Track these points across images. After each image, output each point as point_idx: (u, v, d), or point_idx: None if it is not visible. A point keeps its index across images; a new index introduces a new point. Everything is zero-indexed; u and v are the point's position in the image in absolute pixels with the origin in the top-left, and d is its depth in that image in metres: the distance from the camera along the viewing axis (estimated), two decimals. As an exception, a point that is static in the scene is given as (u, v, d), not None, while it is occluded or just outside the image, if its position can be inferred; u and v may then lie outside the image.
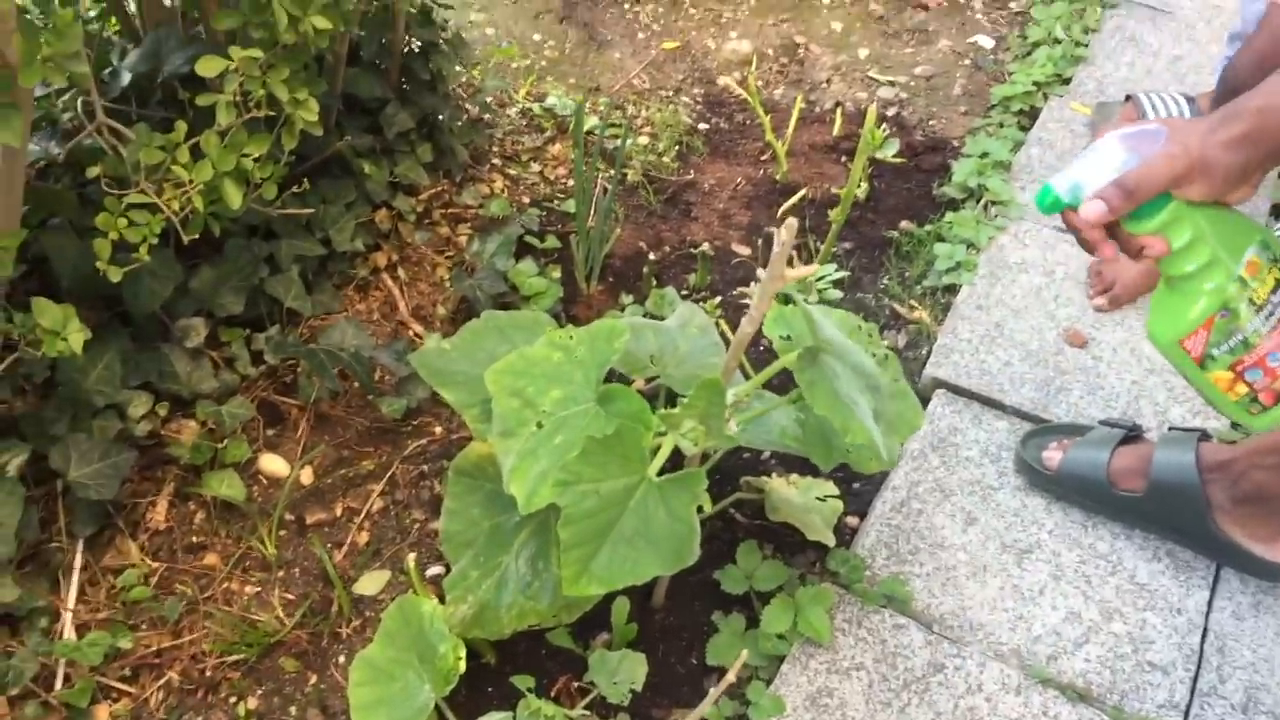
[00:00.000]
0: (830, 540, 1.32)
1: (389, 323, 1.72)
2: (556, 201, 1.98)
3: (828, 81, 2.33)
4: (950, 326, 1.68)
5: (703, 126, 2.22)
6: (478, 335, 1.27)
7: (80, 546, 1.35)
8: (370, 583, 1.38)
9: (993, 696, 1.23)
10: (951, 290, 1.77)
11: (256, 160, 1.36)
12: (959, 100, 2.26)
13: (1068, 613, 1.32)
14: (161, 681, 1.28)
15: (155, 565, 1.38)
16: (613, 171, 1.87)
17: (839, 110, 2.21)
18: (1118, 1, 2.42)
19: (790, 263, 0.92)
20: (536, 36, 2.45)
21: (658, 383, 1.26)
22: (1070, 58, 2.25)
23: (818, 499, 1.38)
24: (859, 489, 1.50)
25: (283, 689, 1.28)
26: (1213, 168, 0.84)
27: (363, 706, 1.14)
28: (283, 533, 1.43)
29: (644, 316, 1.63)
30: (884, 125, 2.18)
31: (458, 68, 1.95)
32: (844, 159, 2.10)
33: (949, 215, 1.88)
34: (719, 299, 1.77)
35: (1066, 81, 2.20)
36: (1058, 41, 2.30)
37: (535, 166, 2.07)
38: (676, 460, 1.08)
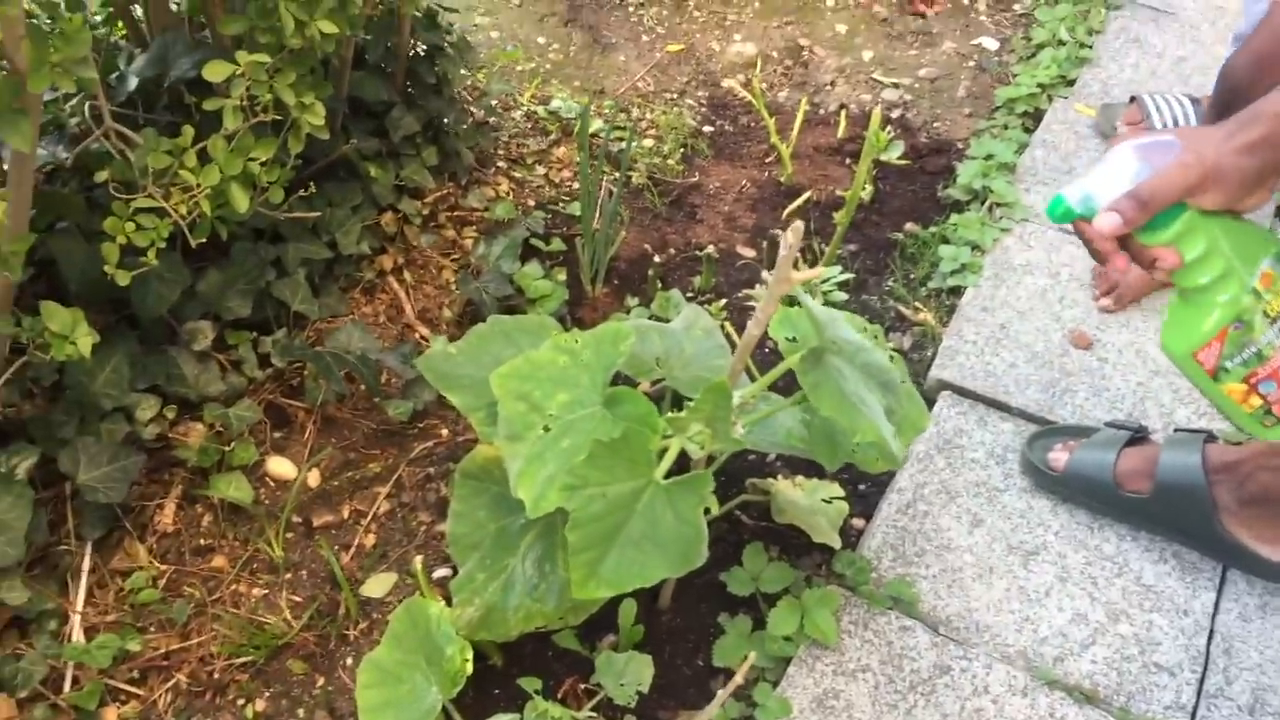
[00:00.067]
0: (836, 542, 1.32)
1: (395, 325, 1.73)
2: (561, 204, 1.99)
3: (832, 84, 2.33)
4: (955, 328, 1.68)
5: (707, 129, 2.22)
6: (483, 339, 1.27)
7: (89, 549, 1.35)
8: (377, 585, 1.39)
9: (999, 698, 1.23)
10: (956, 292, 1.77)
11: (263, 164, 1.36)
12: (963, 102, 2.26)
13: (1074, 614, 1.32)
14: (170, 684, 1.28)
15: (163, 568, 1.38)
16: (617, 174, 1.87)
17: (843, 112, 2.22)
18: (1122, 3, 2.42)
19: (795, 265, 0.92)
20: (541, 39, 2.46)
21: (663, 385, 1.27)
22: (1074, 59, 2.25)
23: (823, 501, 1.38)
24: (864, 491, 1.50)
25: (290, 691, 1.29)
26: (1228, 175, 0.84)
27: (370, 709, 1.14)
28: (290, 535, 1.44)
29: (649, 319, 1.64)
30: (888, 127, 2.18)
31: (463, 71, 1.96)
32: (848, 161, 2.10)
33: (954, 217, 1.88)
34: (724, 301, 1.77)
35: (1071, 83, 2.20)
36: (1062, 43, 2.30)
37: (540, 169, 2.08)
38: (683, 463, 1.08)
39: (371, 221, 1.76)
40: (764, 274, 0.93)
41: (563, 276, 1.80)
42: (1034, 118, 2.13)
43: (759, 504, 1.42)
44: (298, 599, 1.37)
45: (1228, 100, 1.43)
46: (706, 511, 1.05)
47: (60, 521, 1.35)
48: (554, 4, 2.55)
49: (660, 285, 1.80)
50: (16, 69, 1.04)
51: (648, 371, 1.24)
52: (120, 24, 1.62)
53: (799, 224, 0.90)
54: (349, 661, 1.31)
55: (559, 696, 1.26)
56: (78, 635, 1.28)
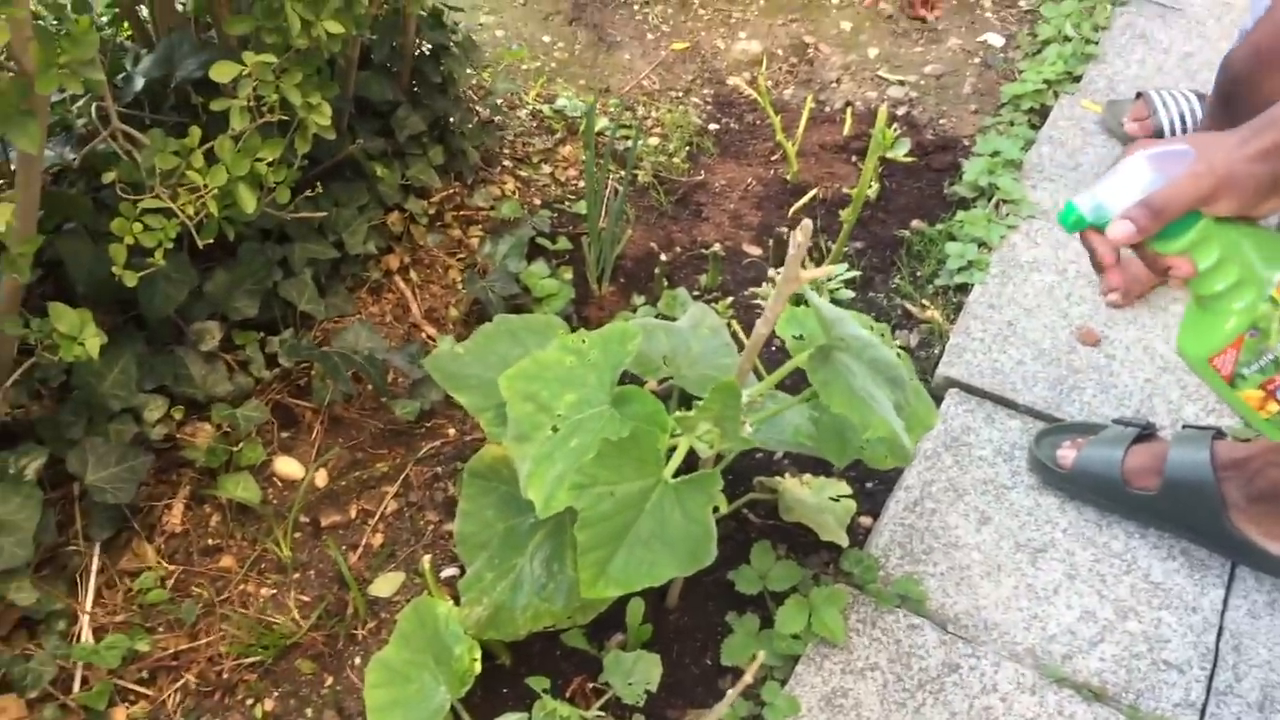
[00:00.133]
0: (844, 540, 1.32)
1: (402, 325, 1.73)
2: (568, 203, 1.99)
3: (837, 81, 2.33)
4: (962, 326, 1.68)
5: (713, 127, 2.22)
6: (490, 339, 1.27)
7: (97, 550, 1.36)
8: (385, 585, 1.39)
9: (1008, 696, 1.23)
10: (963, 289, 1.77)
11: (270, 164, 1.36)
12: (969, 99, 2.26)
13: (1082, 612, 1.32)
14: (179, 684, 1.28)
15: (172, 568, 1.38)
16: (623, 173, 1.87)
17: (849, 110, 2.21)
18: (1128, -2, 2.42)
19: (803, 264, 0.92)
20: (546, 38, 2.46)
21: (671, 384, 1.26)
22: (1081, 55, 2.25)
23: (831, 499, 1.38)
24: (872, 489, 1.50)
25: (299, 691, 1.29)
26: (1241, 182, 0.84)
27: (379, 708, 1.14)
28: (298, 535, 1.44)
29: (656, 317, 1.64)
30: (894, 124, 2.17)
31: (468, 70, 1.96)
32: (854, 158, 2.10)
33: (960, 214, 1.88)
34: (730, 299, 1.77)
35: (1077, 79, 2.19)
36: (1068, 39, 2.30)
37: (546, 168, 2.08)
38: (691, 461, 1.08)
39: (378, 221, 1.76)
40: (771, 272, 0.93)
41: (569, 275, 1.80)
42: (1040, 114, 2.13)
43: (766, 502, 1.42)
44: (306, 599, 1.38)
45: (1228, 92, 1.42)
46: (715, 510, 1.05)
47: (69, 522, 1.35)
48: (559, 2, 2.55)
49: (666, 284, 1.80)
50: (24, 70, 1.04)
51: (655, 370, 1.24)
52: (126, 25, 1.62)
53: (808, 223, 0.89)
54: (357, 661, 1.31)
55: (567, 695, 1.26)
56: (86, 636, 1.29)
